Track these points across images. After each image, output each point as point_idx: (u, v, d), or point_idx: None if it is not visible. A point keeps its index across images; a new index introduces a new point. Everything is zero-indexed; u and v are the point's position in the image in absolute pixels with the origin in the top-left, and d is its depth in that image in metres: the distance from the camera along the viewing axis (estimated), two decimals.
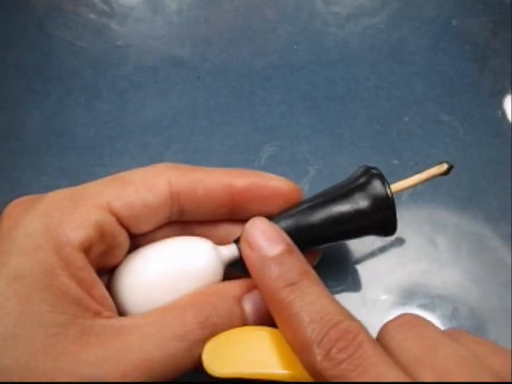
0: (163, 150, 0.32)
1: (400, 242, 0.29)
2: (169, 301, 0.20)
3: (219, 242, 0.22)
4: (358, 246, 0.29)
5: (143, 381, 0.17)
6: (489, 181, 0.31)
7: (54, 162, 0.32)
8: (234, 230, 0.23)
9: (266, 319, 0.20)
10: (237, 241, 0.22)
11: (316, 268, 0.26)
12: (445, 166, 0.24)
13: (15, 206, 0.20)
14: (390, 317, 0.19)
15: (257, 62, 0.36)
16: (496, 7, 0.38)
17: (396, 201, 0.22)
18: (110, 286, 0.21)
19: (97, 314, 0.18)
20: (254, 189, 0.22)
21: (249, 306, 0.20)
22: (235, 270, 0.23)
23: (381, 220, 0.23)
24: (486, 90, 0.35)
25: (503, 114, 0.34)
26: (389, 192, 0.22)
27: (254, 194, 0.22)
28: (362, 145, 0.32)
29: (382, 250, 0.29)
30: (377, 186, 0.22)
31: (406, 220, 0.30)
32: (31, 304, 0.17)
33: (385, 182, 0.22)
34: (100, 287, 0.19)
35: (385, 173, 0.23)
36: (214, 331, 0.19)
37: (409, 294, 0.27)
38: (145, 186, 0.21)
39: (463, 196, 0.31)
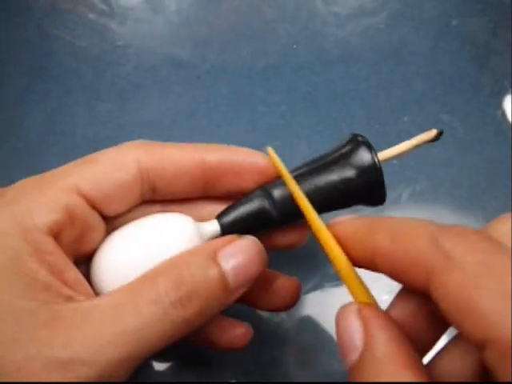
0: None
1: None
2: None
3: (199, 220, 0.22)
4: None
5: (121, 354, 0.16)
6: (489, 181, 0.31)
7: (54, 162, 0.32)
8: (212, 207, 0.23)
9: (249, 274, 0.19)
10: (218, 216, 0.22)
11: (316, 267, 0.26)
12: (433, 132, 0.23)
13: None
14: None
15: (257, 62, 0.36)
16: (496, 7, 0.38)
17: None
18: (89, 273, 0.21)
19: (69, 299, 0.18)
20: (227, 163, 0.22)
21: (227, 262, 0.19)
22: None
23: (368, 189, 0.22)
24: (485, 89, 0.35)
25: (503, 114, 0.34)
26: (376, 160, 0.21)
27: (228, 169, 0.22)
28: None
29: None
30: (363, 154, 0.21)
31: None
32: None
33: (372, 149, 0.22)
34: (72, 271, 0.19)
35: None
36: (189, 290, 0.18)
37: None
38: (112, 164, 0.20)
39: (463, 196, 0.31)
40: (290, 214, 0.22)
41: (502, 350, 0.12)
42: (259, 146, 0.33)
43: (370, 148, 0.22)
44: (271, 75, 0.35)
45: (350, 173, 0.21)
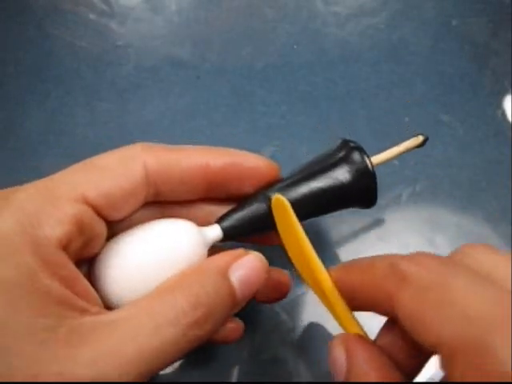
0: None
1: (400, 242, 0.29)
2: (154, 286, 0.20)
3: (198, 221, 0.22)
4: (358, 245, 0.29)
5: (141, 372, 0.17)
6: (489, 181, 0.31)
7: (54, 162, 0.32)
8: (212, 209, 0.23)
9: (254, 289, 0.20)
10: (219, 221, 0.22)
11: None
12: (420, 139, 0.25)
13: None
14: None
15: (257, 62, 0.36)
16: (496, 7, 0.38)
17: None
18: (90, 276, 0.21)
19: (84, 312, 0.18)
20: (230, 169, 0.22)
21: (235, 277, 0.20)
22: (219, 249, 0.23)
23: (362, 192, 0.23)
24: (485, 90, 0.35)
25: (503, 113, 0.34)
26: (369, 164, 0.23)
27: (231, 174, 0.22)
28: (361, 145, 0.32)
29: (383, 249, 0.29)
30: (357, 159, 0.23)
31: (406, 220, 0.30)
32: (16, 312, 0.17)
33: (364, 154, 0.23)
34: (82, 282, 0.19)
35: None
36: (205, 311, 0.18)
37: None
38: (120, 171, 0.20)
39: (463, 196, 0.31)
40: None
41: (447, 353, 0.14)
42: (259, 146, 0.33)
43: (363, 153, 0.23)
44: (271, 75, 0.35)
45: (344, 177, 0.22)
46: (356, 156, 0.23)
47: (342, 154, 0.23)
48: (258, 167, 0.23)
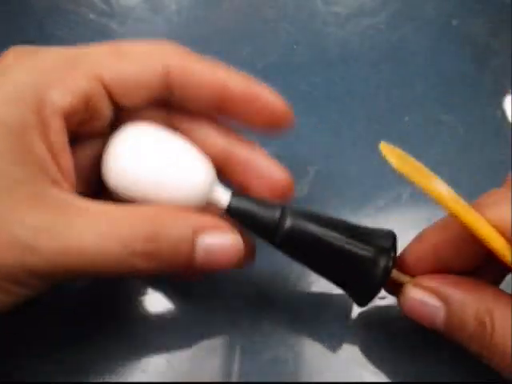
0: None
1: (400, 241, 0.29)
2: (146, 196, 0.20)
3: (199, 143, 0.22)
4: None
5: (67, 265, 0.17)
6: (489, 181, 0.31)
7: None
8: (218, 137, 0.23)
9: (215, 266, 0.20)
10: (233, 196, 0.22)
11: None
12: None
13: (12, 53, 0.21)
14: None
15: (257, 62, 0.36)
16: (496, 7, 0.38)
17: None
18: (102, 158, 0.21)
19: (55, 183, 0.18)
20: (248, 98, 0.23)
21: (204, 243, 0.19)
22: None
23: (360, 286, 0.22)
24: (486, 89, 0.35)
25: (503, 114, 0.34)
26: (386, 276, 0.22)
27: (246, 104, 0.23)
28: (362, 145, 0.32)
29: None
30: (382, 263, 0.22)
31: (407, 220, 0.30)
32: None
33: (392, 265, 0.22)
34: (68, 157, 0.19)
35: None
36: (155, 252, 0.18)
37: None
38: (140, 61, 0.21)
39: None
40: (290, 245, 0.22)
41: None
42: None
43: (390, 261, 0.22)
44: (271, 75, 0.35)
45: (358, 258, 0.21)
46: (384, 259, 0.22)
47: (376, 243, 0.22)
48: (274, 103, 0.23)
